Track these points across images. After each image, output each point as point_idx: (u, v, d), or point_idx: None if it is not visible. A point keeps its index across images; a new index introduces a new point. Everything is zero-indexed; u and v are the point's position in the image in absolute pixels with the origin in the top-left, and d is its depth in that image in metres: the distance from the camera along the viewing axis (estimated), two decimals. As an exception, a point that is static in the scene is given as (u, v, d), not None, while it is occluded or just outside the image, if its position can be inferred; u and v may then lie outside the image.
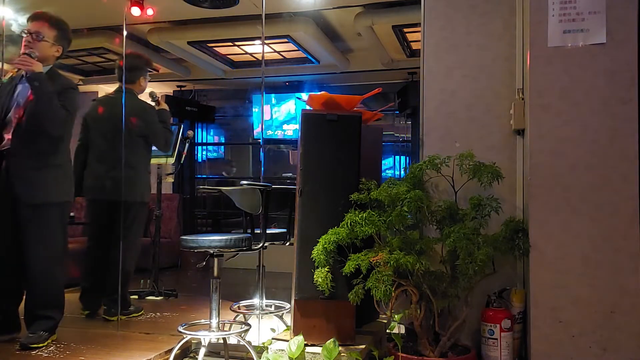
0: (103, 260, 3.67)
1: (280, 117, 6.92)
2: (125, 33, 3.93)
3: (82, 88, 7.04)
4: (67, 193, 3.04)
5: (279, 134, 6.93)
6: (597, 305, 2.40)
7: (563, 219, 2.45)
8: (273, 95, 6.89)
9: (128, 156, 3.61)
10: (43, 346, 2.86)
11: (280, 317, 3.27)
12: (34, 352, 2.79)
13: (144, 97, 3.96)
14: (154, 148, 4.14)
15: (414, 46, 5.60)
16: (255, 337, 2.96)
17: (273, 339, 2.70)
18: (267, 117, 6.92)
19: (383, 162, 6.19)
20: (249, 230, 2.93)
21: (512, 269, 2.69)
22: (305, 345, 2.44)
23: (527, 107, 2.58)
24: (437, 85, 2.82)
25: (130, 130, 3.63)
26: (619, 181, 2.40)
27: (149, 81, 4.00)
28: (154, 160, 4.58)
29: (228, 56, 6.20)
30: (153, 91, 4.05)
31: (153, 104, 3.92)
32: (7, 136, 2.90)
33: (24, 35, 2.96)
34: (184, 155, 4.60)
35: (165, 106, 3.96)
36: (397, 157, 7.37)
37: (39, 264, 2.90)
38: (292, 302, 2.57)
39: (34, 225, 2.88)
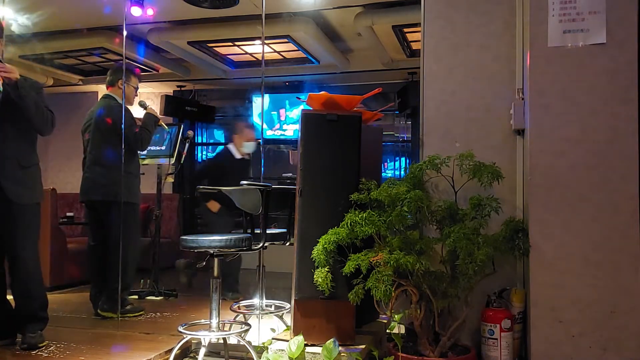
0: (104, 261, 3.70)
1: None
2: (125, 33, 3.94)
3: (82, 88, 7.05)
4: (41, 194, 3.05)
5: (286, 134, 7.03)
6: (597, 305, 2.40)
7: (563, 219, 2.45)
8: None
9: (99, 156, 3.68)
10: (43, 345, 2.87)
11: (280, 317, 3.27)
12: (34, 352, 2.79)
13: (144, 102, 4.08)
14: (155, 148, 4.14)
15: (414, 46, 5.59)
16: (255, 337, 2.96)
17: (273, 339, 2.70)
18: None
19: (383, 162, 6.17)
20: (249, 230, 2.93)
21: (512, 269, 2.69)
22: (305, 345, 2.44)
23: (527, 107, 2.58)
24: (437, 85, 2.82)
25: (109, 133, 3.68)
26: (619, 181, 2.40)
27: (150, 81, 4.02)
28: (153, 160, 4.59)
29: (228, 56, 6.19)
30: (142, 100, 4.13)
31: (142, 110, 3.99)
32: None
33: None
34: (184, 155, 4.60)
35: (151, 111, 4.00)
36: (397, 157, 7.37)
37: (31, 264, 2.90)
38: (292, 302, 2.57)
39: (24, 225, 2.88)
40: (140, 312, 3.75)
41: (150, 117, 3.92)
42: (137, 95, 4.05)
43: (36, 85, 3.00)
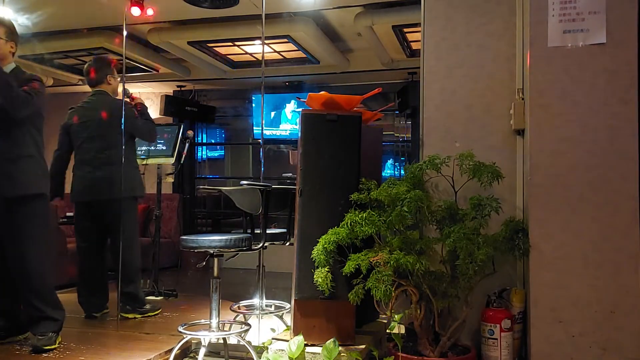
0: (99, 262, 3.69)
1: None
2: (125, 33, 3.93)
3: (82, 88, 7.03)
4: (45, 186, 2.97)
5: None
6: (597, 305, 2.40)
7: (563, 219, 2.45)
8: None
9: (111, 154, 3.63)
10: (54, 348, 2.79)
11: (280, 317, 3.27)
12: (34, 352, 2.78)
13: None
14: (156, 148, 4.14)
15: (414, 46, 5.59)
16: (255, 337, 2.96)
17: (273, 339, 2.70)
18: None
19: (383, 162, 6.17)
20: (249, 230, 2.93)
21: (512, 269, 2.69)
22: (305, 345, 2.44)
23: (527, 107, 2.58)
24: (437, 85, 2.82)
25: (112, 128, 3.65)
26: (619, 181, 2.40)
27: (150, 81, 4.00)
28: (153, 160, 4.59)
29: (228, 56, 6.19)
30: (126, 88, 4.07)
31: (127, 99, 3.91)
32: None
33: None
34: (184, 155, 4.60)
35: (140, 99, 3.96)
36: (397, 157, 7.37)
37: (27, 260, 2.83)
38: (292, 302, 2.57)
39: (17, 219, 2.82)
40: (159, 310, 3.76)
41: (144, 106, 3.91)
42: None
43: (28, 75, 2.93)
